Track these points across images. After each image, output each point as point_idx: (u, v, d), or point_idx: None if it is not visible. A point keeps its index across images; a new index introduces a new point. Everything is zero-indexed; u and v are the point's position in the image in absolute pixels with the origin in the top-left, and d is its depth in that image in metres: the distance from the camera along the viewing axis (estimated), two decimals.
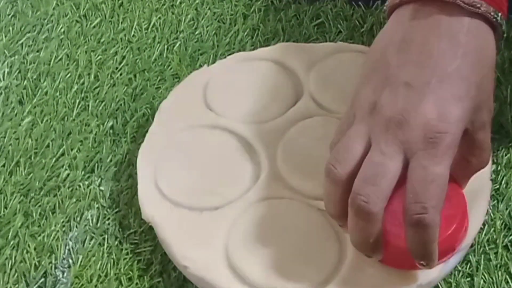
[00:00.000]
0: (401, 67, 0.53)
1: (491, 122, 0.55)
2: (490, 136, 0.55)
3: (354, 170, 0.52)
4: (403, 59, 0.53)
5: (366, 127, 0.53)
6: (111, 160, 0.69)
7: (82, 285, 0.61)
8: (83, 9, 0.84)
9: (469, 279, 0.59)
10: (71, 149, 0.70)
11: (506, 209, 0.63)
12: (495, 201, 0.63)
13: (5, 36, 0.81)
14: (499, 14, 0.54)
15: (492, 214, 0.62)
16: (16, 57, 0.79)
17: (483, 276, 0.59)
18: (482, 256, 0.60)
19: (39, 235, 0.64)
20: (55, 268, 0.62)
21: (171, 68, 0.77)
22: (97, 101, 0.74)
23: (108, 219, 0.65)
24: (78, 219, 0.65)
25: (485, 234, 0.61)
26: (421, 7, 0.54)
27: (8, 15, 0.84)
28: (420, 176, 0.50)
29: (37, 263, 0.62)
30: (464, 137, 0.53)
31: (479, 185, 0.60)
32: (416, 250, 0.52)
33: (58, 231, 0.64)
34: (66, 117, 0.73)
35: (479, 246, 0.61)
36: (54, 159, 0.69)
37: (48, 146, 0.71)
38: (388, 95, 0.53)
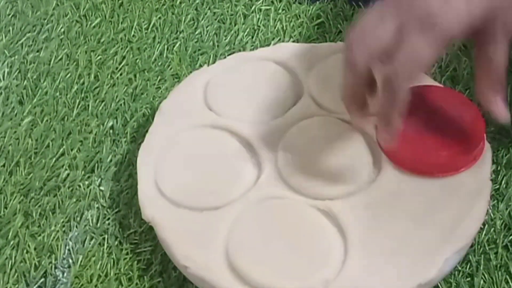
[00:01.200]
0: None
1: (507, 40, 0.57)
2: (506, 53, 0.57)
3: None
4: None
5: (380, 9, 0.57)
6: (111, 160, 0.69)
7: (82, 285, 0.61)
8: (83, 9, 0.84)
9: (469, 279, 0.59)
10: (71, 149, 0.70)
11: (506, 209, 0.63)
12: (495, 201, 0.63)
13: (5, 36, 0.82)
14: None
15: (492, 214, 0.63)
16: (16, 57, 0.79)
17: (483, 276, 0.59)
18: (482, 256, 0.60)
19: (39, 235, 0.64)
20: (55, 268, 0.62)
21: (171, 68, 0.77)
22: (97, 101, 0.74)
23: (108, 219, 0.65)
24: (78, 219, 0.65)
25: (485, 234, 0.61)
26: None
27: (8, 15, 0.84)
28: (403, 47, 0.54)
29: (37, 263, 0.62)
30: (477, 51, 0.57)
31: (479, 185, 0.60)
32: (381, 110, 0.56)
33: (58, 231, 0.64)
34: (66, 117, 0.73)
35: (479, 246, 0.61)
36: (54, 159, 0.69)
37: (48, 146, 0.71)
38: None
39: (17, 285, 0.61)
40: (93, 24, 0.82)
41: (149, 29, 0.81)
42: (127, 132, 0.71)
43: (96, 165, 0.69)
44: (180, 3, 0.84)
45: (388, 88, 0.55)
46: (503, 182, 0.65)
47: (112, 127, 0.72)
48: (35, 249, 0.63)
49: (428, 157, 0.61)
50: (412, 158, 0.61)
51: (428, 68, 0.57)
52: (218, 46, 0.79)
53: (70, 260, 0.62)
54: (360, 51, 0.56)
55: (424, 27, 0.54)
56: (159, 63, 0.78)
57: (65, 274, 0.61)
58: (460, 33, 0.55)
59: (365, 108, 0.60)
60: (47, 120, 0.73)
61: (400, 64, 0.54)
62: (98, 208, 0.66)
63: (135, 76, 0.77)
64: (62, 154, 0.70)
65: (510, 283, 0.59)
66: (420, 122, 0.62)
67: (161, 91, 0.75)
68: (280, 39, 0.79)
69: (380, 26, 0.55)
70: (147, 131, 0.67)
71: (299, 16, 0.81)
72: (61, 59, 0.79)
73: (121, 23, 0.82)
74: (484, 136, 0.62)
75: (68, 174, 0.68)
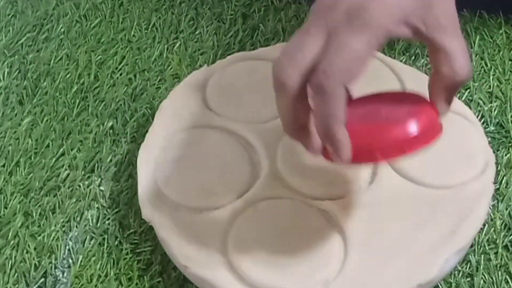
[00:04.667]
0: None
1: (456, 26, 0.51)
2: (460, 43, 0.51)
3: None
4: None
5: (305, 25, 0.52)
6: (111, 160, 0.69)
7: (82, 285, 0.61)
8: (83, 9, 0.84)
9: (469, 279, 0.59)
10: (71, 149, 0.70)
11: (506, 209, 0.63)
12: (495, 201, 0.63)
13: (5, 36, 0.82)
14: None
15: (492, 214, 0.63)
16: (16, 57, 0.79)
17: (483, 276, 0.59)
18: (482, 256, 0.60)
19: (39, 235, 0.64)
20: (55, 268, 0.62)
21: (171, 68, 0.77)
22: (97, 101, 0.74)
23: (108, 219, 0.65)
24: (78, 219, 0.65)
25: (485, 234, 0.61)
26: None
27: (8, 15, 0.84)
28: (330, 44, 0.49)
29: (37, 263, 0.62)
30: (428, 43, 0.51)
31: (482, 187, 0.60)
32: (319, 125, 0.50)
33: (58, 231, 0.64)
34: (66, 117, 0.73)
35: (479, 246, 0.61)
36: (54, 159, 0.69)
37: (48, 146, 0.71)
38: None
39: (17, 285, 0.61)
40: (93, 24, 0.82)
41: (149, 29, 0.81)
42: (127, 132, 0.71)
43: (96, 165, 0.69)
44: (180, 3, 0.84)
45: (319, 91, 0.48)
46: (503, 182, 0.65)
47: (112, 127, 0.72)
48: (35, 249, 0.63)
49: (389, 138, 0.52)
50: (371, 147, 0.52)
51: (364, 66, 0.49)
52: (218, 46, 0.79)
53: (70, 260, 0.62)
54: (288, 70, 0.50)
55: (351, 21, 0.49)
56: (159, 63, 0.78)
57: (65, 274, 0.61)
58: (395, 27, 0.49)
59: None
60: (47, 120, 0.73)
61: (329, 64, 0.48)
62: (98, 208, 0.66)
63: (135, 76, 0.77)
64: (62, 154, 0.70)
65: (510, 283, 0.59)
66: (361, 111, 0.53)
67: (161, 91, 0.75)
68: (280, 39, 0.78)
69: (306, 38, 0.50)
70: (147, 131, 0.67)
71: (299, 16, 0.81)
72: (61, 59, 0.79)
73: (121, 23, 0.82)
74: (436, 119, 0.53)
75: (68, 174, 0.68)
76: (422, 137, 0.51)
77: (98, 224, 0.65)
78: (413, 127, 0.51)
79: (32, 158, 0.70)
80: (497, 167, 0.65)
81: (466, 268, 0.60)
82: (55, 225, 0.64)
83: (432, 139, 0.52)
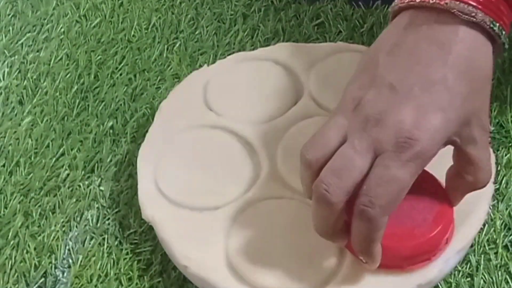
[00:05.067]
0: (389, 69, 0.53)
1: (486, 139, 0.54)
2: (487, 154, 0.54)
3: (325, 157, 0.52)
4: (391, 61, 0.53)
5: (345, 121, 0.53)
6: (111, 160, 0.69)
7: (82, 285, 0.61)
8: (83, 9, 0.84)
9: (469, 279, 0.59)
10: (71, 149, 0.70)
11: (506, 209, 0.63)
12: (495, 201, 0.63)
13: (5, 36, 0.82)
14: (497, 24, 0.53)
15: (492, 214, 0.62)
16: (16, 57, 0.79)
17: (483, 276, 0.59)
18: (482, 256, 0.60)
19: (39, 235, 0.64)
20: (55, 268, 0.62)
21: (171, 68, 0.77)
22: (97, 101, 0.74)
23: (108, 219, 0.65)
24: (78, 219, 0.65)
25: (485, 234, 0.61)
26: (418, 13, 0.54)
27: (8, 15, 0.84)
28: (379, 173, 0.50)
29: (37, 263, 0.62)
30: (456, 151, 0.54)
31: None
32: (357, 243, 0.53)
33: (58, 231, 0.64)
34: (66, 117, 0.73)
35: (479, 246, 0.61)
36: (54, 159, 0.69)
37: (48, 146, 0.71)
38: (372, 94, 0.52)
39: (17, 285, 0.61)
40: (93, 24, 0.82)
41: (149, 29, 0.81)
42: (127, 132, 0.71)
43: (96, 165, 0.69)
44: (180, 3, 0.84)
45: (363, 218, 0.51)
46: (503, 182, 0.65)
47: (112, 127, 0.72)
48: (35, 249, 0.63)
49: (394, 250, 0.55)
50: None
51: (406, 191, 0.51)
52: (218, 46, 0.79)
53: (70, 260, 0.62)
54: (336, 191, 0.51)
55: (401, 152, 0.50)
56: (159, 63, 0.78)
57: (65, 274, 0.61)
58: (437, 151, 0.51)
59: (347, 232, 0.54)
60: (47, 120, 0.73)
61: (376, 196, 0.50)
62: (98, 208, 0.66)
63: (135, 76, 0.77)
64: (62, 154, 0.70)
65: (510, 283, 0.59)
66: None
67: (161, 91, 0.75)
68: (280, 39, 0.78)
69: (352, 155, 0.51)
70: (147, 131, 0.67)
71: (299, 16, 0.81)
72: (61, 59, 0.79)
73: (121, 23, 0.82)
74: (453, 219, 0.57)
75: (68, 174, 0.68)
76: (445, 245, 0.56)
77: (98, 224, 0.65)
78: (440, 240, 0.55)
79: (32, 158, 0.70)
80: (497, 167, 0.65)
81: (466, 268, 0.60)
82: (55, 225, 0.64)
83: (450, 241, 0.57)
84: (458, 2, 0.52)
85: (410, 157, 0.50)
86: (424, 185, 0.55)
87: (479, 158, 0.54)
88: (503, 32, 0.54)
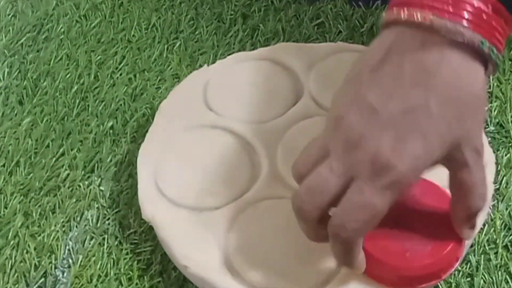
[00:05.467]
0: (371, 88, 0.51)
1: (480, 162, 0.52)
2: (481, 178, 0.52)
3: (307, 174, 0.52)
4: (375, 80, 0.51)
5: (326, 140, 0.52)
6: (111, 160, 0.69)
7: (82, 285, 0.61)
8: (83, 9, 0.84)
9: (469, 279, 0.59)
10: (71, 149, 0.70)
11: (506, 209, 0.63)
12: (495, 201, 0.63)
13: (5, 36, 0.82)
14: (487, 43, 0.50)
15: (492, 214, 0.62)
16: (16, 57, 0.79)
17: (483, 276, 0.59)
18: (482, 256, 0.60)
19: (39, 235, 0.64)
20: (55, 268, 0.62)
21: (171, 68, 0.77)
22: (97, 101, 0.74)
23: (108, 219, 0.65)
24: (78, 219, 0.65)
25: (485, 234, 0.61)
26: (406, 30, 0.51)
27: (8, 15, 0.84)
28: (353, 198, 0.50)
29: (37, 263, 0.62)
30: (449, 175, 0.52)
31: None
32: (336, 258, 0.53)
33: (58, 231, 0.64)
34: (66, 117, 0.73)
35: (479, 246, 0.61)
36: (54, 159, 0.69)
37: (48, 146, 0.71)
38: (353, 115, 0.51)
39: (17, 285, 0.61)
40: (93, 24, 0.82)
41: (149, 29, 0.81)
42: (127, 132, 0.71)
43: (96, 165, 0.69)
44: (180, 3, 0.84)
45: (337, 240, 0.51)
46: (503, 182, 0.65)
47: (112, 127, 0.72)
48: (35, 249, 0.63)
49: (405, 269, 0.54)
50: (388, 272, 0.54)
51: (381, 217, 0.50)
52: (218, 46, 0.79)
53: (70, 260, 0.62)
54: (308, 207, 0.51)
55: (377, 178, 0.49)
56: (159, 63, 0.78)
57: (65, 274, 0.61)
58: (418, 178, 0.50)
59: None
60: (47, 120, 0.73)
61: (349, 220, 0.50)
62: (98, 208, 0.66)
63: (135, 76, 0.77)
64: (62, 154, 0.70)
65: (510, 283, 0.59)
66: (390, 221, 0.52)
67: (161, 91, 0.75)
68: (280, 39, 0.79)
69: (328, 175, 0.50)
70: (147, 131, 0.67)
71: (299, 16, 0.81)
72: (61, 59, 0.79)
73: (121, 23, 0.82)
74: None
75: (68, 174, 0.68)
76: (456, 263, 0.55)
77: (98, 224, 0.65)
78: (451, 259, 0.54)
79: (32, 158, 0.70)
80: (497, 167, 0.65)
81: (466, 268, 0.60)
82: (55, 225, 0.64)
83: (461, 258, 0.56)
84: (445, 21, 0.49)
85: (386, 185, 0.49)
86: (435, 202, 0.55)
87: (471, 182, 0.51)
88: (494, 51, 0.50)
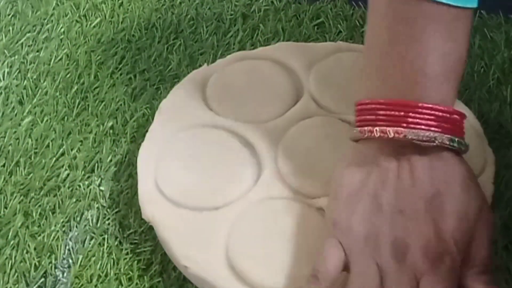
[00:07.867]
0: (345, 216, 0.55)
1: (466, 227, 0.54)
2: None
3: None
4: (350, 205, 0.55)
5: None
6: (111, 160, 0.69)
7: (82, 285, 0.61)
8: (83, 9, 0.84)
9: None
10: (71, 149, 0.70)
11: (506, 209, 0.63)
12: (495, 201, 0.63)
13: (5, 36, 0.82)
14: (456, 139, 0.54)
15: None
16: (16, 57, 0.79)
17: None
18: None
19: (39, 235, 0.64)
20: (55, 268, 0.62)
21: (171, 68, 0.77)
22: (97, 101, 0.74)
23: (108, 219, 0.65)
24: (78, 219, 0.65)
25: None
26: (383, 146, 0.55)
27: (8, 15, 0.84)
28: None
29: (37, 263, 0.62)
30: None
31: (481, 188, 0.60)
32: None
33: (58, 231, 0.64)
34: (66, 117, 0.73)
35: None
36: (54, 159, 0.69)
37: (48, 146, 0.71)
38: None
39: (17, 285, 0.61)
40: (93, 24, 0.82)
41: (149, 29, 0.81)
42: (127, 132, 0.71)
43: (96, 165, 0.69)
44: (180, 3, 0.84)
45: None
46: (502, 183, 0.64)
47: (112, 127, 0.72)
48: (35, 249, 0.63)
49: None
50: None
51: None
52: (218, 46, 0.79)
53: (70, 260, 0.62)
54: None
55: (401, 267, 0.52)
56: (159, 63, 0.78)
57: (65, 274, 0.61)
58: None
59: None
60: (47, 120, 0.73)
61: None
62: (98, 208, 0.66)
63: (135, 76, 0.77)
64: (62, 154, 0.70)
65: (510, 283, 0.59)
66: None
67: (161, 91, 0.75)
68: (280, 39, 0.78)
69: (366, 273, 0.53)
70: (147, 131, 0.67)
71: (299, 16, 0.81)
72: (61, 59, 0.79)
73: (121, 23, 0.82)
74: None
75: (68, 174, 0.68)
76: None
77: (98, 224, 0.65)
78: None
79: (32, 158, 0.70)
80: (497, 167, 0.65)
81: None
82: (55, 225, 0.64)
83: None
84: (416, 131, 0.53)
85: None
86: None
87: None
88: (462, 142, 0.55)
